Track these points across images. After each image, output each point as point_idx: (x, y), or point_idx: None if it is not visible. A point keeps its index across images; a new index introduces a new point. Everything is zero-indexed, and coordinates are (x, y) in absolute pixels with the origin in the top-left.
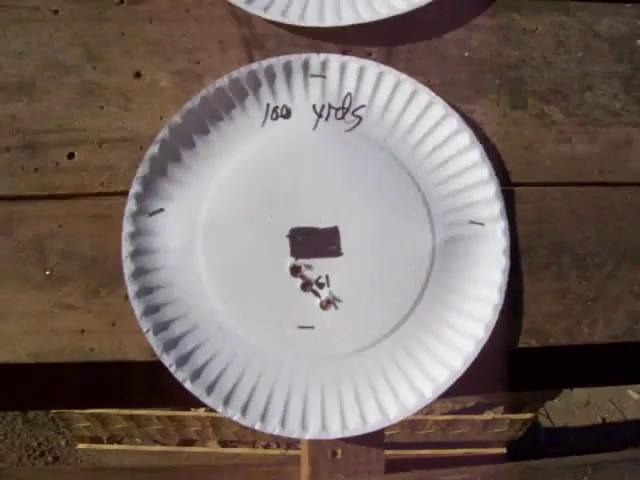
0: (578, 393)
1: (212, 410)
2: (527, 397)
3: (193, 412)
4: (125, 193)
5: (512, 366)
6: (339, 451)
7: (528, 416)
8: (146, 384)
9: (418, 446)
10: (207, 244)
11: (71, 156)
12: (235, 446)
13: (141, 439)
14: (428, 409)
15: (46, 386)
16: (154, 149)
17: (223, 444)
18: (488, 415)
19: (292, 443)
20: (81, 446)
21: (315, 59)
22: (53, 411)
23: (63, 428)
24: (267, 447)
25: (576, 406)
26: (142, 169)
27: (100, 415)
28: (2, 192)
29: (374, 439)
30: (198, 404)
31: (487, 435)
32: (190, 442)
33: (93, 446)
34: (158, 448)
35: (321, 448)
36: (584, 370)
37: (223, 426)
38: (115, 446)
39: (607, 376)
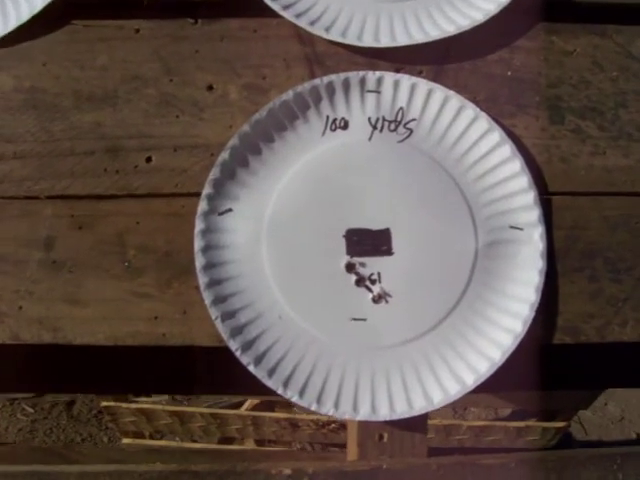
0: (613, 408)
1: (255, 409)
2: (560, 406)
3: (235, 411)
4: (196, 194)
5: (546, 363)
6: (385, 435)
7: (561, 424)
8: (212, 372)
9: (450, 452)
10: (271, 241)
11: (149, 160)
12: (271, 446)
13: (183, 436)
14: (461, 415)
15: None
16: (225, 155)
17: (260, 443)
18: (521, 422)
19: (325, 446)
20: (126, 441)
21: (371, 76)
22: (104, 404)
23: (109, 422)
24: (302, 449)
25: (610, 421)
26: (213, 172)
27: (146, 410)
28: (87, 191)
29: (418, 424)
30: (257, 391)
31: (520, 443)
32: (229, 440)
33: (137, 441)
34: (198, 446)
35: (369, 432)
36: (616, 371)
37: (264, 425)
38: (157, 442)
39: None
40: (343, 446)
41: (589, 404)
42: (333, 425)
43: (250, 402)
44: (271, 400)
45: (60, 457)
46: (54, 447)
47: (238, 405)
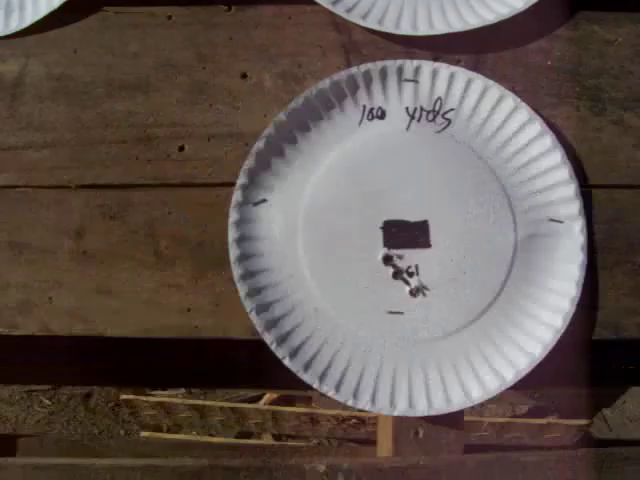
0: (631, 406)
1: (273, 403)
2: (583, 403)
3: (255, 405)
4: (229, 184)
5: (586, 359)
6: (421, 431)
7: (583, 422)
8: (246, 366)
9: (471, 449)
10: (306, 233)
11: (181, 149)
12: (288, 440)
13: (200, 430)
14: (478, 412)
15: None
16: (260, 144)
17: (277, 438)
18: (543, 419)
19: (344, 441)
20: (144, 434)
21: (409, 65)
22: (123, 397)
23: (128, 415)
24: (320, 444)
25: (629, 419)
26: (248, 162)
27: (165, 404)
28: (118, 180)
29: (455, 420)
30: (292, 386)
31: (541, 440)
32: (247, 435)
33: (155, 434)
34: (216, 440)
35: (404, 427)
36: None
37: (283, 420)
38: (176, 435)
39: None
40: (363, 442)
41: (612, 402)
42: (353, 420)
43: (269, 396)
44: (290, 395)
45: (86, 449)
46: (79, 439)
47: (256, 399)
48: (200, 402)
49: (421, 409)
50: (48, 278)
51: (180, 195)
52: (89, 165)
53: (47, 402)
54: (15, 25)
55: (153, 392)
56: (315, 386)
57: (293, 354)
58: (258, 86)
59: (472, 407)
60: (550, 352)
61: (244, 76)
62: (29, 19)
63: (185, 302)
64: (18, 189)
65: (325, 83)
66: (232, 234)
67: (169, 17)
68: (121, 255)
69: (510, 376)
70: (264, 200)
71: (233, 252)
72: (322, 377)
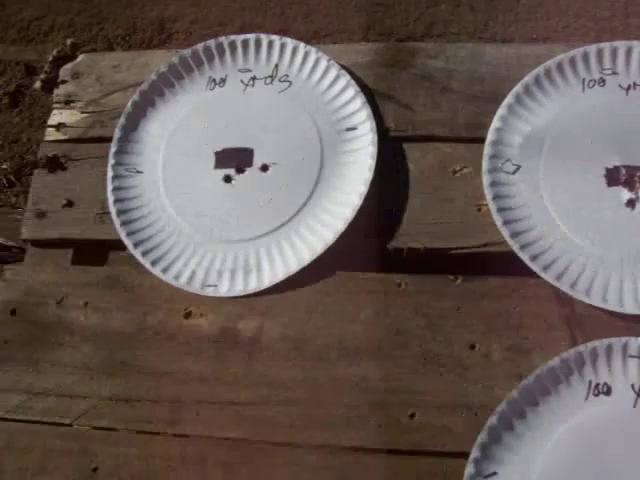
0: None
1: None
2: None
3: None
4: (460, 454)
5: None
6: None
7: None
8: None
9: None
10: None
11: (412, 416)
12: None
13: None
14: None
15: None
16: (493, 419)
17: None
18: None
19: None
20: None
21: (634, 342)
22: None
23: None
24: None
25: None
26: (482, 437)
27: None
28: (350, 443)
29: None
30: None
31: None
32: None
33: None
34: None
35: None
36: None
37: None
38: None
39: None
40: None
41: None
42: None
43: None
44: None
45: None
46: None
47: None
48: None
49: None
50: None
51: (410, 462)
52: (322, 426)
53: None
54: (254, 286)
55: None
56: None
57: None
58: (486, 358)
59: None
60: None
61: (472, 347)
62: (267, 281)
63: None
64: (253, 445)
65: (555, 361)
66: None
67: (399, 284)
68: None
69: None
70: (494, 473)
71: None
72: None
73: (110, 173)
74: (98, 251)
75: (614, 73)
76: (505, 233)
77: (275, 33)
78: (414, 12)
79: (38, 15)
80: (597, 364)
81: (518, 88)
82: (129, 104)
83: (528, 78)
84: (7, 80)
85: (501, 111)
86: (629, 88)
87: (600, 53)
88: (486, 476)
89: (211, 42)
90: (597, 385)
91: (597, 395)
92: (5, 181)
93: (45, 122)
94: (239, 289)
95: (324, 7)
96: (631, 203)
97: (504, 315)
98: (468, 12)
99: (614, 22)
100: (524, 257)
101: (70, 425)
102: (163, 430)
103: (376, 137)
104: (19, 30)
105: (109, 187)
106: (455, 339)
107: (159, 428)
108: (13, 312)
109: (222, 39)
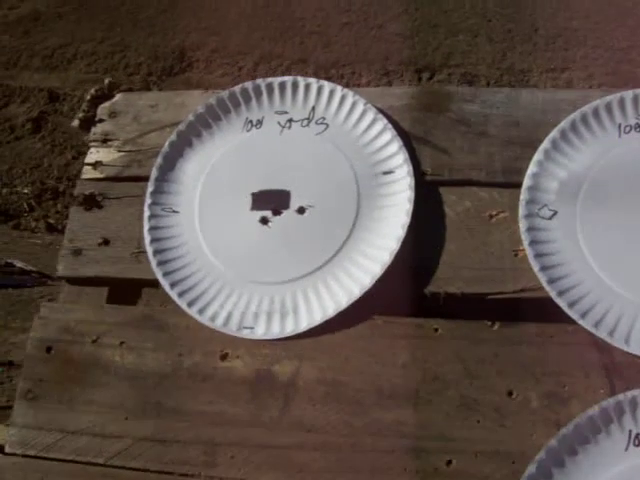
0: None
1: None
2: None
3: None
4: None
5: None
6: None
7: None
8: None
9: None
10: None
11: (449, 463)
12: None
13: None
14: None
15: None
16: (531, 469)
17: None
18: None
19: None
20: None
21: None
22: None
23: None
24: None
25: None
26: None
27: None
28: None
29: None
30: None
31: None
32: None
33: None
34: None
35: None
36: None
37: None
38: None
39: None
40: None
41: None
42: None
43: None
44: None
45: None
46: None
47: None
48: None
49: None
50: None
51: None
52: (357, 471)
53: None
54: (290, 329)
55: None
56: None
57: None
58: (525, 405)
59: None
60: None
61: (510, 394)
62: (304, 324)
63: None
64: None
65: (594, 410)
66: None
67: (435, 330)
68: None
69: None
70: None
71: None
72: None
73: (147, 212)
74: (133, 289)
75: None
76: (542, 279)
77: (294, 62)
78: (432, 42)
79: (62, 43)
80: (637, 413)
81: (554, 133)
82: (166, 144)
83: (564, 123)
84: (30, 106)
85: (537, 156)
86: None
87: (636, 99)
88: None
89: (248, 84)
90: (637, 435)
91: (638, 445)
92: (26, 206)
93: (66, 148)
94: (276, 332)
95: (343, 37)
96: None
97: (542, 362)
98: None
99: (632, 53)
100: (562, 304)
101: (104, 465)
102: (197, 472)
103: (413, 181)
104: (43, 58)
105: (146, 226)
106: (492, 385)
107: (193, 470)
108: (48, 350)
109: (259, 81)
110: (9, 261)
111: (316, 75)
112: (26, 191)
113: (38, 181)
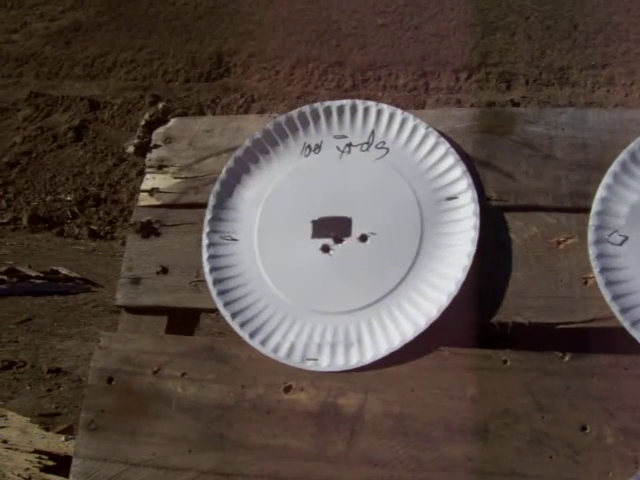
0: None
1: None
2: None
3: None
4: None
5: None
6: None
7: None
8: None
9: None
10: None
11: None
12: None
13: None
14: None
15: None
16: None
17: None
18: None
19: None
20: None
21: None
22: None
23: None
24: None
25: None
26: None
27: None
28: None
29: None
30: None
31: None
32: None
33: None
34: None
35: None
36: None
37: None
38: None
39: None
40: None
41: None
42: None
43: None
44: None
45: None
46: None
47: None
48: None
49: None
50: None
51: None
52: None
53: None
54: (355, 361)
55: None
56: None
57: None
58: (599, 440)
59: None
60: None
61: (584, 428)
62: (369, 356)
63: None
64: None
65: None
66: None
67: (504, 361)
68: None
69: None
70: None
71: None
72: None
73: (205, 241)
74: (191, 318)
75: None
76: (615, 308)
77: (331, 65)
78: (470, 42)
79: (102, 52)
80: None
81: (624, 156)
82: (223, 171)
83: (634, 145)
84: (72, 115)
85: (606, 180)
86: None
87: None
88: None
89: (306, 108)
90: None
91: None
92: (69, 213)
93: (107, 155)
94: (340, 364)
95: (379, 39)
96: None
97: (616, 395)
98: (524, 41)
99: None
100: (636, 335)
101: None
102: None
103: (478, 208)
104: (84, 67)
105: (204, 255)
106: (565, 420)
107: None
108: (109, 380)
109: (317, 105)
110: (54, 268)
111: (352, 77)
112: (69, 198)
113: (80, 188)
